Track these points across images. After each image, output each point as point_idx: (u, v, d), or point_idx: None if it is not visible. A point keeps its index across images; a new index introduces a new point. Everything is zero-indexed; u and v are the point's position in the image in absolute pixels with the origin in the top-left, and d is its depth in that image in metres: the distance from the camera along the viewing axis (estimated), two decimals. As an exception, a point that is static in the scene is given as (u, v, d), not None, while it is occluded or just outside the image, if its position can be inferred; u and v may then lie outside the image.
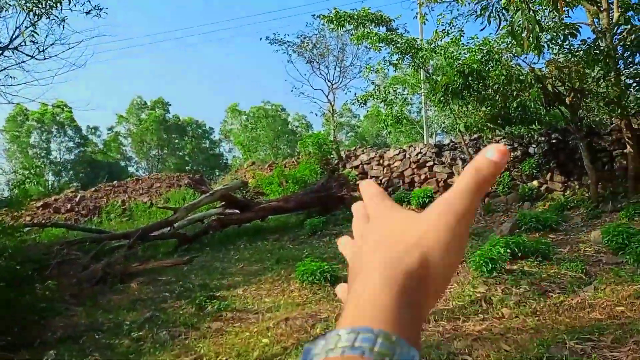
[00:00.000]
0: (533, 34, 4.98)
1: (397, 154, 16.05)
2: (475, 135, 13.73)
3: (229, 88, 74.62)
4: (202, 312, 6.61)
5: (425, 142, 17.58)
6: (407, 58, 13.15)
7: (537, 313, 4.94)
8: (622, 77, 10.13)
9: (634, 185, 10.06)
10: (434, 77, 12.95)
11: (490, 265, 6.19)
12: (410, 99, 20.63)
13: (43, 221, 16.08)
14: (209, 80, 74.20)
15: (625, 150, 10.73)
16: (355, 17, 13.37)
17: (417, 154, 15.27)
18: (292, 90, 22.23)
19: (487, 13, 5.33)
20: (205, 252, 11.51)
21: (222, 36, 74.63)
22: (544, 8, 10.02)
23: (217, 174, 27.16)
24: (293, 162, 19.74)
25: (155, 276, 9.02)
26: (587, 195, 10.76)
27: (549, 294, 5.39)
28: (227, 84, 74.03)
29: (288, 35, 22.26)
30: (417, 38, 13.84)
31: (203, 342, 5.40)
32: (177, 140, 38.47)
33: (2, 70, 11.84)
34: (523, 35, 5.26)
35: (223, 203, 13.60)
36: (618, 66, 9.98)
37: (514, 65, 11.27)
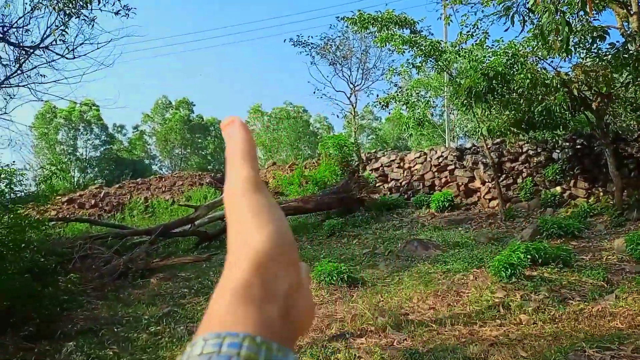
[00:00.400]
0: (563, 35, 4.89)
1: (418, 157, 15.95)
2: (498, 140, 13.56)
3: (252, 89, 75.32)
4: (220, 309, 6.68)
5: (446, 146, 17.43)
6: (430, 60, 13.05)
7: (556, 320, 4.87)
8: (652, 83, 9.87)
9: (661, 193, 9.82)
10: (457, 80, 12.83)
11: (509, 270, 6.12)
12: (433, 102, 20.49)
13: (68, 216, 16.45)
14: (232, 80, 75.00)
15: (653, 157, 10.48)
16: (379, 19, 13.33)
17: (438, 157, 15.15)
18: (314, 92, 22.17)
19: (511, 13, 5.26)
20: (224, 250, 11.60)
21: (247, 37, 75.26)
22: (571, 10, 9.85)
23: (239, 173, 27.39)
24: (313, 163, 19.79)
25: (175, 272, 9.16)
26: (611, 202, 10.52)
27: (569, 302, 5.30)
28: (251, 85, 74.72)
29: (312, 37, 22.24)
30: (441, 40, 13.74)
31: (219, 339, 5.46)
32: (200, 140, 38.93)
33: (33, 68, 12.15)
34: (551, 37, 5.17)
35: (243, 202, 13.70)
36: (648, 71, 9.72)
37: (539, 69, 11.10)
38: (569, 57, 10.71)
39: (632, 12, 10.08)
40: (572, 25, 10.18)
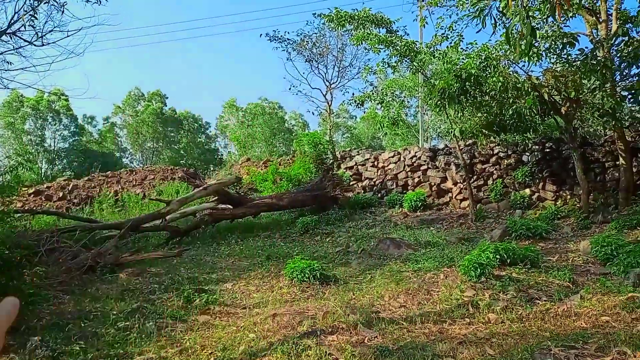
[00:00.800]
0: (527, 39, 5.00)
1: (392, 157, 16.09)
2: (470, 141, 13.79)
3: (227, 83, 74.50)
4: (190, 305, 6.60)
5: (420, 146, 17.63)
6: (405, 61, 13.17)
7: (523, 319, 4.97)
8: (618, 89, 10.20)
9: (625, 197, 10.16)
10: (431, 81, 12.98)
11: (478, 270, 6.22)
12: (408, 102, 20.70)
13: (34, 208, 15.99)
14: (207, 74, 74.13)
15: (617, 162, 10.82)
16: (356, 17, 13.37)
17: (411, 157, 15.32)
18: (289, 89, 22.10)
19: (484, 15, 5.35)
20: (196, 246, 11.50)
21: (223, 30, 74.43)
22: (542, 15, 10.08)
23: (212, 169, 27.11)
24: (288, 160, 19.74)
25: (145, 267, 9.00)
26: (578, 205, 10.84)
27: (536, 301, 5.42)
28: (226, 79, 73.97)
29: (288, 32, 22.11)
30: (417, 41, 13.88)
31: (189, 335, 5.40)
32: (172, 134, 38.34)
33: (-1, 55, 11.73)
34: (515, 40, 5.29)
35: (216, 198, 13.58)
36: (614, 77, 10.05)
37: (511, 73, 11.32)
38: (540, 61, 10.98)
39: (600, 20, 10.39)
40: (544, 31, 10.47)
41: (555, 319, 4.85)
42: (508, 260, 6.79)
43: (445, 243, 9.48)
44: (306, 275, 7.30)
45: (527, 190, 12.32)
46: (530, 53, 10.24)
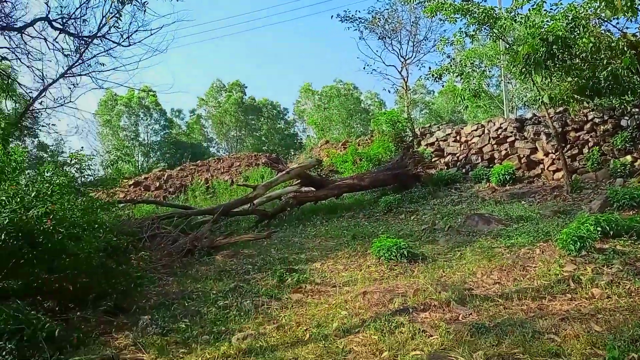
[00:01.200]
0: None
1: (475, 130, 15.49)
2: (561, 109, 12.90)
3: (302, 68, 75.17)
4: (283, 284, 6.87)
5: (505, 117, 16.78)
6: (485, 29, 12.50)
7: (632, 294, 4.66)
8: None
9: None
10: (514, 47, 12.25)
11: (578, 243, 5.89)
12: (489, 72, 19.72)
13: (135, 198, 17.32)
14: (282, 61, 75.34)
15: None
16: (429, -13, 12.86)
17: (496, 130, 14.65)
18: (364, 68, 21.78)
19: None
20: (283, 228, 11.89)
21: (295, 16, 74.96)
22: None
23: (293, 153, 27.69)
24: (366, 140, 19.66)
25: (238, 249, 9.48)
26: (692, 170, 9.84)
27: (647, 274, 5.05)
28: (300, 65, 74.68)
29: (359, 11, 21.73)
30: (496, 7, 13.11)
31: (284, 312, 5.63)
32: (253, 122, 39.54)
33: (92, 57, 12.72)
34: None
35: (299, 181, 13.92)
36: None
37: (603, 32, 10.42)
38: (635, 17, 9.96)
39: None
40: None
41: (669, 293, 4.50)
42: (611, 232, 6.34)
43: (539, 217, 9.03)
44: (393, 253, 7.31)
45: (629, 157, 11.34)
46: (628, 7, 9.34)
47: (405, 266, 7.06)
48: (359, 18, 20.46)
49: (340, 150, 19.11)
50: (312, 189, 13.81)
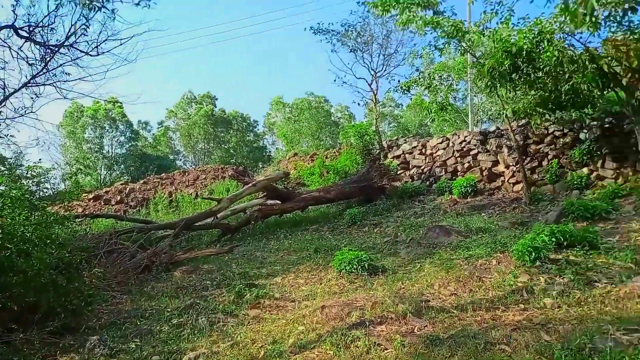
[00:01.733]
0: (588, 5, 4.68)
1: (440, 143, 15.70)
2: (523, 122, 13.19)
3: (274, 81, 75.28)
4: (241, 299, 6.73)
5: (470, 130, 17.09)
6: (453, 42, 12.71)
7: (582, 303, 4.72)
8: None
9: (695, 171, 9.40)
10: (481, 60, 12.50)
11: (533, 254, 5.96)
12: (456, 86, 20.10)
13: (94, 212, 16.82)
14: (253, 73, 75.27)
15: (686, 134, 10.01)
16: (401, 1, 13.02)
17: (460, 142, 14.88)
18: (334, 80, 21.91)
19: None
20: (246, 242, 11.71)
21: (268, 28, 75.22)
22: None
23: (261, 165, 27.51)
24: (334, 152, 19.72)
25: (198, 265, 9.25)
26: (641, 182, 10.15)
27: (595, 284, 5.12)
28: (273, 77, 74.72)
29: (332, 24, 21.84)
30: (465, 21, 13.36)
31: (240, 329, 5.49)
32: (222, 134, 39.22)
33: (58, 67, 12.33)
34: (575, 8, 4.95)
35: (265, 194, 13.78)
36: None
37: (567, 46, 10.73)
38: (597, 31, 10.28)
39: (664, -18, 9.61)
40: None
41: (616, 302, 4.57)
42: (565, 243, 6.45)
43: (497, 228, 9.15)
44: (354, 266, 7.26)
45: (585, 170, 11.65)
46: (590, 21, 9.63)
47: (365, 279, 7.01)
48: (332, 30, 20.62)
49: (308, 163, 19.11)
50: (278, 201, 13.69)
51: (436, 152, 15.69)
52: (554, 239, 6.33)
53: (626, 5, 9.25)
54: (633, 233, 7.19)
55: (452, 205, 12.51)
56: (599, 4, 9.42)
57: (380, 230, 10.95)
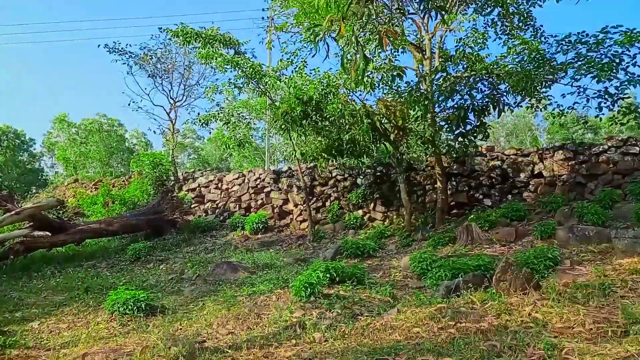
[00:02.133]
0: (360, 67, 5.25)
1: (237, 179, 15.89)
2: (312, 164, 14.22)
3: (59, 96, 67.32)
4: (-21, 351, 5.50)
5: (265, 168, 17.73)
6: (252, 83, 13.13)
7: (346, 336, 5.06)
8: (437, 119, 11.37)
9: (440, 217, 11.28)
10: (276, 104, 13.17)
11: (309, 289, 6.26)
12: (254, 124, 20.79)
13: None
14: (34, 85, 66.19)
15: (436, 185, 12.01)
16: (203, 35, 13.02)
17: (256, 179, 15.28)
18: (129, 104, 20.53)
19: (317, 40, 5.50)
20: (1, 280, 9.84)
21: (56, 38, 67.50)
22: (369, 46, 10.89)
23: (34, 191, 23.88)
24: (123, 181, 18.28)
25: None
26: (402, 224, 11.77)
27: (359, 317, 5.59)
28: (58, 92, 66.79)
29: (130, 45, 20.54)
30: (264, 64, 13.99)
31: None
32: (-12, 151, 33.12)
33: None
34: (350, 67, 5.57)
35: (31, 223, 11.89)
36: (434, 109, 11.20)
37: (349, 100, 11.99)
38: (374, 91, 11.84)
39: (425, 57, 11.57)
40: (377, 63, 11.34)
41: (373, 333, 5.02)
42: (337, 279, 6.97)
43: (282, 264, 9.48)
44: (129, 307, 6.63)
45: (360, 211, 13.07)
46: (365, 82, 11.01)
47: (140, 321, 6.44)
48: (129, 52, 19.42)
49: (91, 191, 17.30)
50: (48, 233, 11.93)
51: (232, 187, 15.80)
52: (328, 275, 6.79)
53: (394, 72, 10.91)
54: (393, 269, 8.18)
55: (244, 241, 12.62)
56: (374, 69, 10.90)
57: (167, 267, 10.36)
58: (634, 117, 10.01)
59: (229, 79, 13.75)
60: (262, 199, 14.90)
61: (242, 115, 15.96)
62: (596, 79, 9.30)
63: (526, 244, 8.50)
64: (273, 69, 13.32)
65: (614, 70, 9.25)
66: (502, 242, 8.82)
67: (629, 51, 9.22)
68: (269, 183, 15.03)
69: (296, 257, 10.00)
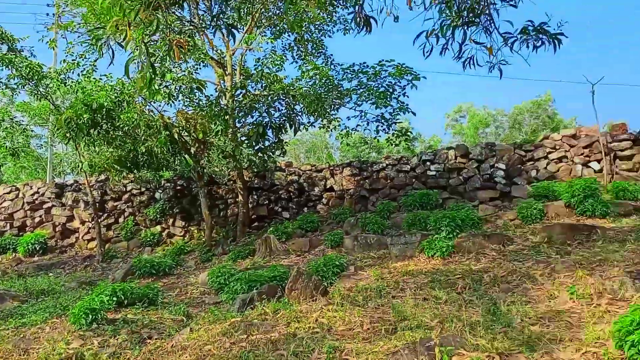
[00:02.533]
0: (146, 75, 4.95)
1: (8, 193, 13.67)
2: (103, 177, 13.02)
3: None
4: None
5: (47, 181, 15.58)
6: (30, 84, 11.55)
7: (131, 363, 4.66)
8: (238, 134, 11.49)
9: (242, 230, 11.40)
10: (60, 109, 11.74)
11: (90, 316, 5.64)
12: (32, 132, 18.23)
13: None
14: None
15: (237, 199, 12.11)
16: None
17: (33, 194, 13.34)
18: None
19: (100, 44, 5.04)
20: None
21: None
22: (157, 56, 10.47)
23: None
24: None
25: None
26: (203, 239, 11.54)
27: (147, 341, 5.20)
28: None
29: None
30: (45, 65, 12.32)
31: None
32: None
33: None
34: (137, 75, 5.23)
35: None
36: (235, 124, 11.30)
37: (146, 111, 11.32)
38: (173, 102, 11.39)
39: (227, 73, 11.62)
40: (176, 74, 10.95)
41: (162, 356, 4.73)
42: (126, 301, 6.43)
43: (63, 290, 8.38)
44: None
45: (158, 227, 12.41)
46: (163, 92, 10.53)
47: None
48: None
49: None
50: None
51: (2, 203, 13.50)
52: (115, 298, 6.22)
53: (194, 85, 10.73)
54: (190, 286, 7.91)
55: (15, 265, 10.85)
56: (172, 79, 10.55)
57: None
58: (404, 139, 11.68)
59: (1, 79, 11.90)
60: (40, 216, 13.04)
61: (17, 120, 13.86)
62: (375, 105, 10.62)
63: (319, 252, 9.10)
64: (56, 71, 11.87)
65: (389, 99, 10.67)
66: (297, 252, 9.30)
67: (400, 82, 10.76)
68: (50, 198, 13.25)
69: (81, 281, 8.95)
